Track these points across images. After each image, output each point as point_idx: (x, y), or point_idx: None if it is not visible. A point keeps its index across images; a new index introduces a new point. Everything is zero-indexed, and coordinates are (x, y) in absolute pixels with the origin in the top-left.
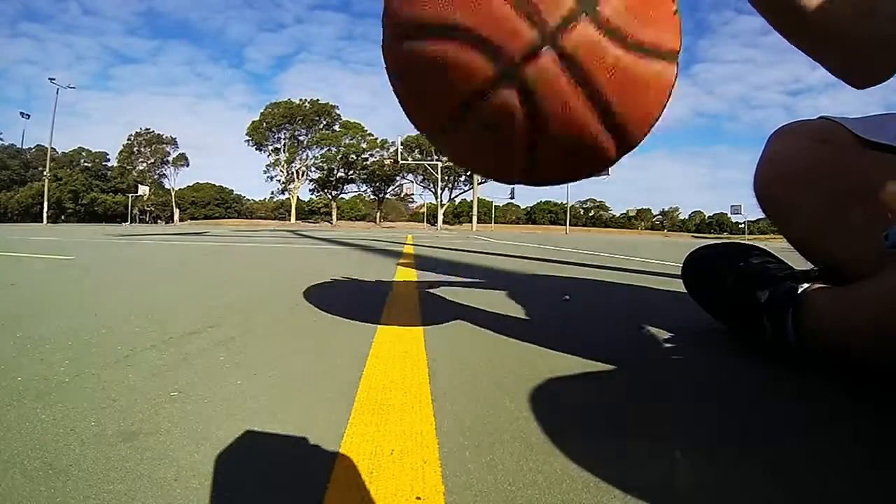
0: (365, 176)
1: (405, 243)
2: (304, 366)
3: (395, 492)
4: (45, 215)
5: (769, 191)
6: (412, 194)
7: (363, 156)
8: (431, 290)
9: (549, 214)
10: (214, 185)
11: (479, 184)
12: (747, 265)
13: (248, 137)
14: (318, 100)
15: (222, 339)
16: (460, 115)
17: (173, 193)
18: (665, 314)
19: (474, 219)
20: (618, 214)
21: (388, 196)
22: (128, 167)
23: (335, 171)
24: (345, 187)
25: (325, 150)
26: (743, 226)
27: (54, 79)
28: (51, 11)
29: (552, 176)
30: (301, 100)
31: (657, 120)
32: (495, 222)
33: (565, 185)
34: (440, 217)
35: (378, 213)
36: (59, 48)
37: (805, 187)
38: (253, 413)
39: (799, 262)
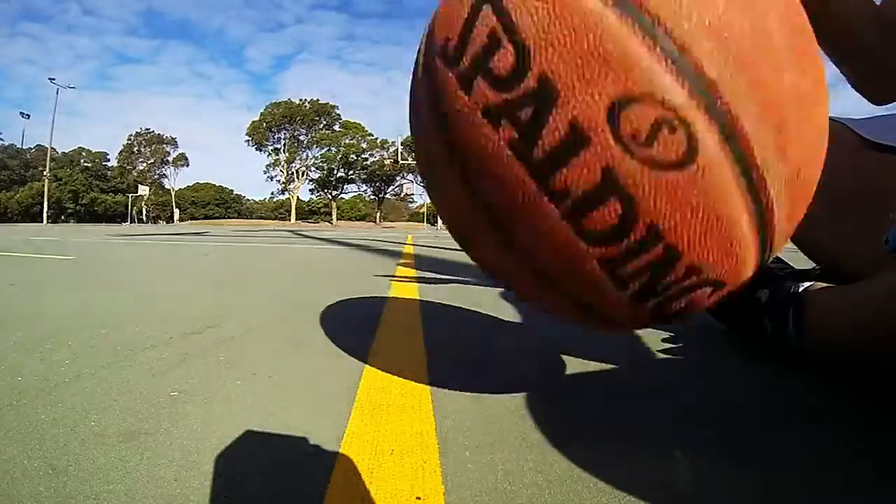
0: (365, 176)
1: (405, 243)
2: (304, 366)
3: (395, 492)
4: (45, 215)
5: None
6: (412, 194)
7: (363, 156)
8: (431, 290)
9: None
10: (214, 185)
11: None
12: None
13: (248, 137)
14: (318, 100)
15: (222, 339)
16: None
17: (173, 193)
18: None
19: None
20: None
21: (388, 196)
22: (128, 167)
23: (335, 171)
24: (345, 187)
25: (325, 150)
26: None
27: (54, 79)
28: (51, 11)
29: None
30: (301, 100)
31: None
32: None
33: None
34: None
35: (378, 213)
36: (59, 48)
37: None
38: (253, 413)
39: (799, 262)
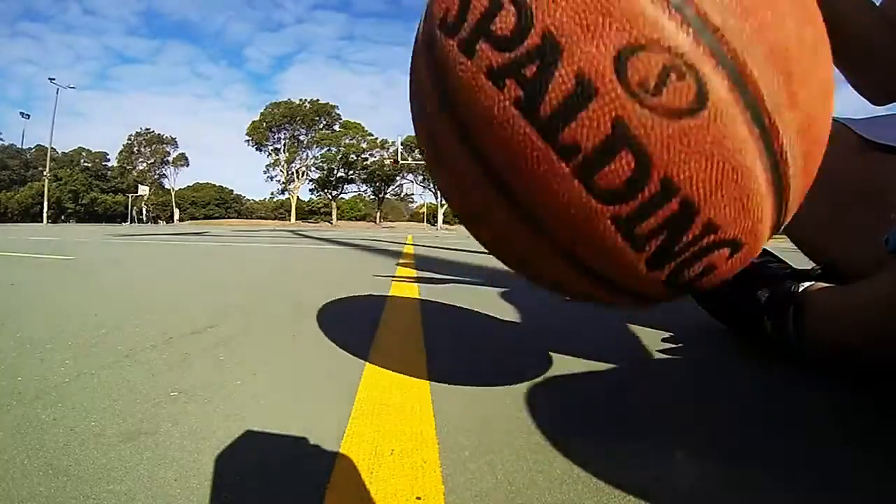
0: (365, 176)
1: (405, 243)
2: (305, 366)
3: (395, 492)
4: (45, 215)
5: None
6: (412, 194)
7: (363, 156)
8: (431, 290)
9: None
10: (214, 185)
11: None
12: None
13: (248, 137)
14: (318, 100)
15: (222, 339)
16: None
17: (173, 193)
18: (665, 314)
19: None
20: None
21: (388, 196)
22: (128, 167)
23: (335, 171)
24: (345, 187)
25: (325, 150)
26: None
27: (54, 79)
28: (51, 11)
29: None
30: (301, 100)
31: None
32: None
33: None
34: (440, 217)
35: (378, 214)
36: (59, 48)
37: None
38: (253, 413)
39: (799, 262)
